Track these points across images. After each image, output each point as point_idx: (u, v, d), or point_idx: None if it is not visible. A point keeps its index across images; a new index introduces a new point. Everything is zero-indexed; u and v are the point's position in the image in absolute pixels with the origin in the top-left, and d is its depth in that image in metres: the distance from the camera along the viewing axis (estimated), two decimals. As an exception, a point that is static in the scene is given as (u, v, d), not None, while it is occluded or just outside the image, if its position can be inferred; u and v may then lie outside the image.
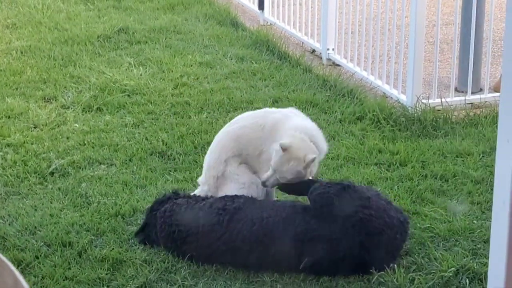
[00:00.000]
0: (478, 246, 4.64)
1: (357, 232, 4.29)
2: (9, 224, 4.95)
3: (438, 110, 6.54)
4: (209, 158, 4.94)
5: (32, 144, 6.05)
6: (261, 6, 9.37)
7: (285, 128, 4.69)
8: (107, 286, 4.34)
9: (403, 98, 6.74)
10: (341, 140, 6.09)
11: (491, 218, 4.81)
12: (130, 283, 4.35)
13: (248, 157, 4.85)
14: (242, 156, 4.85)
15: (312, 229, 4.32)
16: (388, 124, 6.31)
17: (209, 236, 4.48)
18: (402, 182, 5.44)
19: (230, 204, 4.53)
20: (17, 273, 1.64)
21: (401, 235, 4.46)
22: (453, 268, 4.36)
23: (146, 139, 6.14)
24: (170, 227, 4.59)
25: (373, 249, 4.33)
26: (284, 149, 4.49)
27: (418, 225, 4.86)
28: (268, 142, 4.73)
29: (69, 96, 7.01)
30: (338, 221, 4.32)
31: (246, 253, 4.41)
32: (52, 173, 5.61)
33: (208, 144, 5.95)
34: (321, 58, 8.10)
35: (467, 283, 4.28)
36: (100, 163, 5.76)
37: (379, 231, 4.32)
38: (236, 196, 4.66)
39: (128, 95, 7.04)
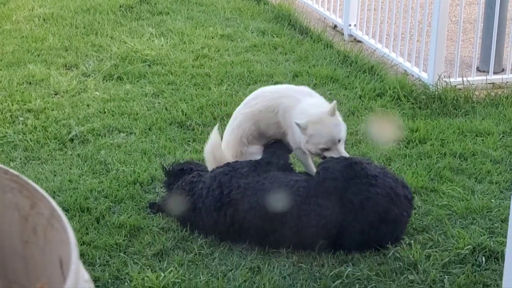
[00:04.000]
0: (495, 225, 4.64)
1: (365, 211, 4.29)
2: (28, 189, 4.98)
3: (459, 89, 6.52)
4: (228, 137, 4.79)
5: (52, 110, 6.08)
6: (284, -20, 9.33)
7: (295, 112, 4.54)
8: (124, 252, 4.37)
9: (424, 76, 6.71)
10: (361, 116, 6.08)
11: (509, 197, 4.84)
12: (147, 250, 4.38)
13: (273, 136, 4.73)
14: (264, 135, 4.72)
15: (325, 215, 4.29)
16: (408, 102, 6.29)
17: (215, 226, 4.47)
18: (421, 159, 5.43)
19: (228, 194, 4.43)
20: (54, 204, 1.66)
21: (407, 212, 4.46)
22: (469, 246, 4.36)
23: (166, 109, 6.16)
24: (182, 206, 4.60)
25: (381, 228, 4.33)
26: (303, 128, 4.44)
27: (436, 202, 4.86)
28: (285, 126, 4.62)
29: (90, 64, 7.03)
30: (346, 202, 4.30)
31: (257, 238, 4.40)
32: (71, 140, 5.64)
33: (228, 116, 5.97)
34: (343, 34, 8.07)
35: (483, 261, 4.28)
36: (120, 131, 5.78)
37: (385, 209, 4.32)
38: (239, 176, 4.49)
39: (149, 65, 7.05)
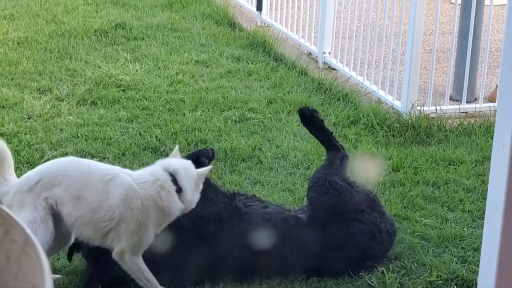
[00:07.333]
0: (467, 253, 4.65)
1: (345, 245, 4.33)
2: (0, 213, 4.93)
3: (432, 118, 6.56)
4: None
5: (25, 134, 6.04)
6: (259, 7, 9.39)
7: None
8: (96, 279, 4.32)
9: (397, 104, 6.75)
10: (335, 143, 6.09)
11: (481, 226, 4.85)
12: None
13: None
14: None
15: (305, 244, 4.30)
16: (382, 130, 6.32)
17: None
18: (394, 187, 5.45)
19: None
20: (28, 231, 1.65)
21: (386, 247, 4.50)
22: (442, 274, 4.37)
23: (140, 134, 6.14)
24: None
25: (358, 262, 4.36)
26: None
27: (409, 230, 4.87)
28: None
29: (64, 89, 7.00)
30: (329, 234, 4.32)
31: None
32: (44, 164, 5.60)
33: (202, 141, 5.98)
34: (317, 61, 8.11)
35: (456, 290, 4.29)
36: (93, 156, 5.75)
37: (366, 246, 4.37)
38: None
39: (123, 90, 7.04)
